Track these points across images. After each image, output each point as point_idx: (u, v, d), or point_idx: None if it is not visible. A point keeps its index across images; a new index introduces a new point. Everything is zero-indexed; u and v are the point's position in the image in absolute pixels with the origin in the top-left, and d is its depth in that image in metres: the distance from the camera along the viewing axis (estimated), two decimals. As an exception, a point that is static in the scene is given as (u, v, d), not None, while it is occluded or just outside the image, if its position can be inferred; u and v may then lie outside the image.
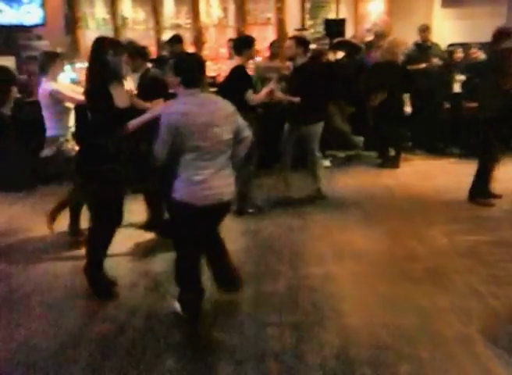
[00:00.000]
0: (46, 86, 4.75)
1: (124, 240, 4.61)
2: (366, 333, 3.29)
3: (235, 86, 5.15)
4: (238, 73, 5.31)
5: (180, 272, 3.52)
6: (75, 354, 3.18)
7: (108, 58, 3.68)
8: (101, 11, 9.62)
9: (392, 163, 7.35)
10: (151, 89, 4.71)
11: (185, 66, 3.36)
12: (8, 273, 4.37)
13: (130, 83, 4.86)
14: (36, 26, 8.79)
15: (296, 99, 5.60)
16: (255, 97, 5.29)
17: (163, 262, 4.41)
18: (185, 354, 3.16)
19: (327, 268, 4.21)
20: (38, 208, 5.77)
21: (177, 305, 3.56)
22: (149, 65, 5.14)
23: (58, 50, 5.16)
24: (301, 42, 5.68)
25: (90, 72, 3.76)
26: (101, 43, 3.78)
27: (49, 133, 4.85)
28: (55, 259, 4.61)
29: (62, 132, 4.81)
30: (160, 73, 4.96)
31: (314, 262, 4.35)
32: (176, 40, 7.02)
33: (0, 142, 6.41)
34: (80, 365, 3.08)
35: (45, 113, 4.85)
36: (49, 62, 4.76)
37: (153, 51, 8.37)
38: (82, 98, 4.62)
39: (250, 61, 8.39)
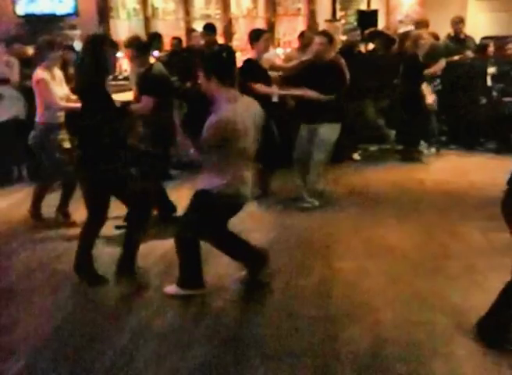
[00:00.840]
0: (37, 72, 4.81)
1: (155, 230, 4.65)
2: (399, 330, 3.24)
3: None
4: (243, 66, 5.30)
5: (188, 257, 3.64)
6: (105, 345, 3.17)
7: (106, 56, 3.65)
8: (131, 1, 9.68)
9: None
10: (156, 86, 4.68)
11: (217, 67, 3.32)
12: (45, 260, 4.41)
13: None
14: (68, 15, 8.88)
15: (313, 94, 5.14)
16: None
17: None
18: (213, 346, 3.13)
19: (360, 263, 4.17)
20: (75, 195, 5.78)
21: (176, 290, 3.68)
22: (152, 60, 5.09)
23: (58, 39, 5.16)
24: (331, 39, 5.38)
25: (88, 68, 3.68)
26: (100, 40, 3.76)
27: (37, 119, 4.91)
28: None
29: (50, 120, 4.85)
30: (163, 69, 4.95)
31: (347, 257, 4.31)
32: (211, 29, 6.98)
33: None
34: (110, 356, 3.07)
35: (36, 98, 4.90)
36: (46, 49, 4.80)
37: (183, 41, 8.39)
38: (61, 103, 4.72)
39: (279, 52, 8.43)
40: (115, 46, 3.80)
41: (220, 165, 3.39)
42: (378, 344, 3.11)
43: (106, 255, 4.28)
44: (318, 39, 5.32)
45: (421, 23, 7.81)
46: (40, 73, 4.78)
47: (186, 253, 3.60)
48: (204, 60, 3.39)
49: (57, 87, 4.84)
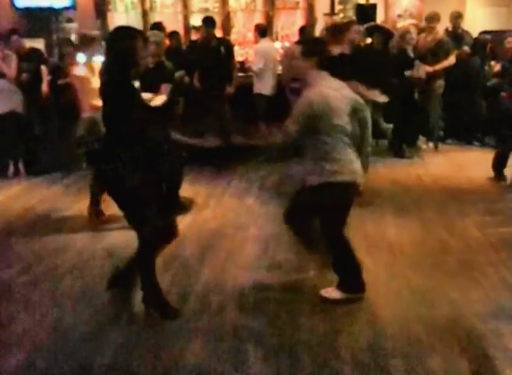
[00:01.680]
0: (75, 68, 4.93)
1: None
2: (398, 326, 3.25)
3: None
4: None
5: (342, 258, 3.54)
6: (108, 335, 3.20)
7: (137, 50, 3.20)
8: (129, -6, 9.62)
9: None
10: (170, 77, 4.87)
11: (319, 49, 3.40)
12: (44, 254, 4.40)
13: None
14: (66, 8, 8.83)
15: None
16: None
17: (192, 247, 4.44)
18: (212, 339, 3.14)
19: (360, 259, 4.15)
20: (73, 189, 5.80)
21: (334, 294, 3.54)
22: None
23: (94, 33, 5.22)
24: None
25: (121, 65, 3.20)
26: (132, 33, 3.27)
27: (83, 114, 4.93)
28: (89, 240, 4.67)
29: (93, 113, 4.83)
30: (171, 64, 5.06)
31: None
32: (211, 23, 6.92)
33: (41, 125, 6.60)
34: (114, 345, 3.11)
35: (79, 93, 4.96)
36: (85, 44, 4.84)
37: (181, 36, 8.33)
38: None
39: (277, 46, 8.38)
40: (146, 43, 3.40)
41: (323, 151, 3.34)
42: (377, 340, 3.12)
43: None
44: (357, 27, 5.61)
45: (433, 18, 7.52)
46: (76, 68, 4.91)
47: (342, 256, 3.54)
48: (305, 42, 3.50)
49: (97, 81, 4.76)
